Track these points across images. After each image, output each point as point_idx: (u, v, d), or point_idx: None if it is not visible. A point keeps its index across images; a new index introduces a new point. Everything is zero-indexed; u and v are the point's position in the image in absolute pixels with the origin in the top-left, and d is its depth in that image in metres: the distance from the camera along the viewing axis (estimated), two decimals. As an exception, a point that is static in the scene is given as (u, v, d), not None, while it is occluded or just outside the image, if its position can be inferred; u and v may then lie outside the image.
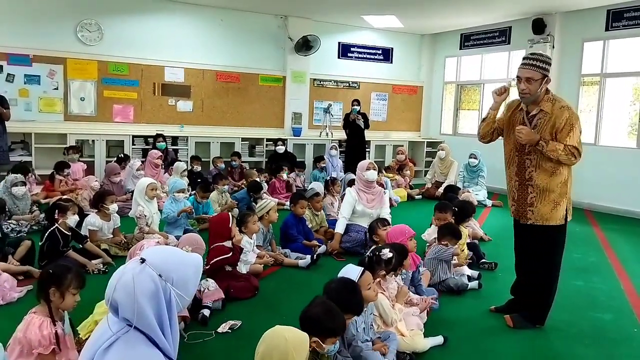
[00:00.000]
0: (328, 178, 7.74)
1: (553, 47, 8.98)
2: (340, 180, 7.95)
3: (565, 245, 3.69)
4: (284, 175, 8.64)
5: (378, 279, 3.25)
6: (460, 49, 11.41)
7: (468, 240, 5.30)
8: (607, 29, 8.50)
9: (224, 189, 7.07)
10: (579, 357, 3.39)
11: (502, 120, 3.79)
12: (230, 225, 4.26)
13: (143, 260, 1.75)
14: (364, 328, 2.94)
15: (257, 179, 7.81)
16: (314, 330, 2.36)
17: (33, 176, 7.30)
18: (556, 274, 3.70)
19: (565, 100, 3.55)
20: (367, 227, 5.15)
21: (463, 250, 5.02)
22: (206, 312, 3.70)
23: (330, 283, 2.83)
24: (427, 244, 5.06)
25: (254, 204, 6.57)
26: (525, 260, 3.81)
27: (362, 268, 3.03)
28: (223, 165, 8.90)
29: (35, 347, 2.53)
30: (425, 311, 3.70)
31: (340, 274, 2.98)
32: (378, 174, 6.54)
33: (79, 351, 2.70)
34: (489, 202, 8.73)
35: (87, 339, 2.65)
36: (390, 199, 7.44)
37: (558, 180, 3.53)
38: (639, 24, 8.09)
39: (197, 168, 8.61)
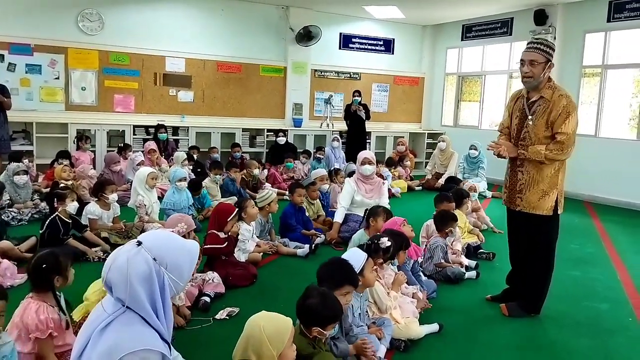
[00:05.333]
0: (332, 169, 7.79)
1: (555, 38, 8.93)
2: (343, 171, 7.96)
3: (563, 236, 3.69)
4: (290, 165, 8.86)
5: (375, 267, 3.28)
6: (462, 40, 11.37)
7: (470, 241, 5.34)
8: (608, 20, 8.47)
9: (217, 178, 7.10)
10: (574, 345, 3.41)
11: (507, 120, 3.81)
12: (229, 219, 4.28)
13: (140, 243, 1.79)
14: (359, 314, 2.97)
15: (257, 170, 7.88)
16: (313, 321, 2.37)
17: (32, 166, 7.33)
18: (549, 265, 3.71)
19: (565, 89, 3.55)
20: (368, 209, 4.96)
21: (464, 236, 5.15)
22: (207, 298, 3.74)
23: (320, 267, 2.85)
24: (425, 243, 4.95)
25: (248, 193, 6.72)
26: (518, 250, 3.83)
27: (366, 253, 3.07)
28: (217, 155, 8.94)
29: (32, 332, 2.53)
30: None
31: (344, 257, 3.00)
32: (378, 165, 6.54)
33: (76, 334, 2.72)
34: (489, 194, 8.73)
35: (81, 321, 2.70)
36: (389, 189, 7.47)
37: (548, 171, 3.54)
38: (641, 15, 8.06)
39: (195, 157, 8.67)
